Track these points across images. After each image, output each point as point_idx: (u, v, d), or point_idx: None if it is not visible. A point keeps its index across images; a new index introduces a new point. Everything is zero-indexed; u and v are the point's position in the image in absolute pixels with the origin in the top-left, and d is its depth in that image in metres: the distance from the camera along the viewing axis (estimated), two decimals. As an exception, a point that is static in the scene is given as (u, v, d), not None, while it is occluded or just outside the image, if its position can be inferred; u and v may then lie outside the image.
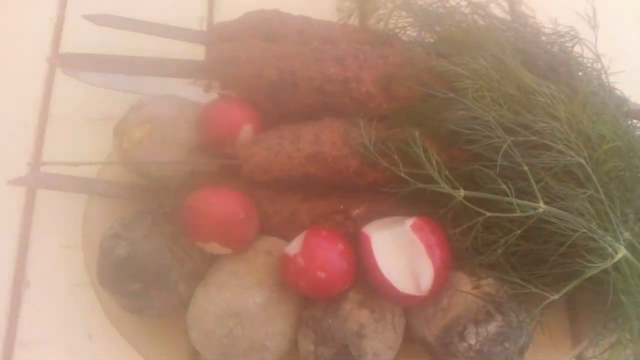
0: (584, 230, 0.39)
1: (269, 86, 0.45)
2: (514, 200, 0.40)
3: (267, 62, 0.45)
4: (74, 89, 0.56)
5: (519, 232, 0.41)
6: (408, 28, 0.53)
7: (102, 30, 0.55)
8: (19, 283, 0.52)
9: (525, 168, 0.41)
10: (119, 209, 0.49)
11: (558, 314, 0.49)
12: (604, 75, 0.52)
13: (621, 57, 0.57)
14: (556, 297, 0.40)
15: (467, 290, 0.43)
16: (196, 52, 0.60)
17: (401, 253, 0.41)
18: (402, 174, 0.42)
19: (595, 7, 0.54)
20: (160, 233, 0.44)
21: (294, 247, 0.43)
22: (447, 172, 0.42)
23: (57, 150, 0.57)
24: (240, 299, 0.42)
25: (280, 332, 0.43)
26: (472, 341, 0.41)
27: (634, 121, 0.52)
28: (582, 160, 0.42)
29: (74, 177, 0.49)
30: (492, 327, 0.42)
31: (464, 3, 0.55)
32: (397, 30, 0.53)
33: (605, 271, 0.42)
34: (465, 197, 0.41)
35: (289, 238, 0.46)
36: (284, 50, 0.45)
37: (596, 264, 0.39)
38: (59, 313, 0.51)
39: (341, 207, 0.46)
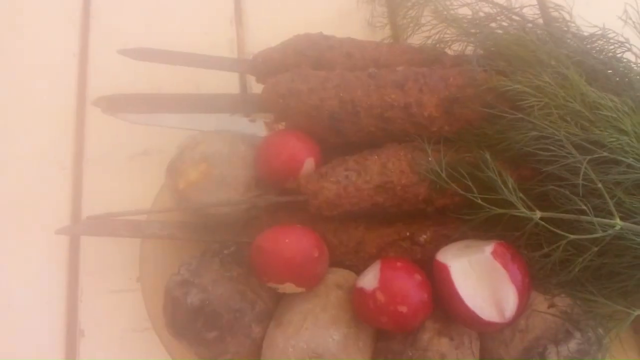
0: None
1: (329, 117, 0.44)
2: (594, 219, 0.39)
3: (327, 94, 0.44)
4: (107, 125, 0.54)
5: (596, 249, 0.41)
6: (453, 42, 0.53)
7: (127, 62, 0.54)
8: (73, 333, 0.51)
9: (600, 185, 0.41)
10: (174, 251, 0.48)
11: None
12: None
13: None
14: (638, 312, 0.40)
15: (544, 310, 0.42)
16: (228, 80, 0.60)
17: (483, 281, 0.41)
18: (479, 200, 0.41)
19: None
20: (229, 276, 0.43)
21: (369, 280, 0.42)
22: (521, 195, 0.41)
23: (97, 189, 0.55)
24: (320, 339, 0.41)
25: None
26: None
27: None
28: None
29: (127, 220, 0.48)
30: (573, 345, 0.42)
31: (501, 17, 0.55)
32: (441, 45, 0.53)
33: None
34: (541, 219, 0.41)
35: (355, 268, 0.46)
36: (343, 79, 0.44)
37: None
38: None
39: (407, 233, 0.45)
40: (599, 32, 0.51)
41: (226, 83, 0.59)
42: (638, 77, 0.47)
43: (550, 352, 0.42)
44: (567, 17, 0.56)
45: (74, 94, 0.61)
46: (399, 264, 0.42)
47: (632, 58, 0.52)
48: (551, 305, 0.43)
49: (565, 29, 0.54)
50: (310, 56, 0.49)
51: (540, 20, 0.57)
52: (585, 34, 0.53)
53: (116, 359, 0.50)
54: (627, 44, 0.50)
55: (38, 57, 0.63)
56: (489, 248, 0.41)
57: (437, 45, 0.51)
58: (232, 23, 0.65)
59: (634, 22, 0.51)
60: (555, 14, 0.60)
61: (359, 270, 0.45)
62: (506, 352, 0.43)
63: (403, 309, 0.41)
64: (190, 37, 0.63)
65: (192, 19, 0.65)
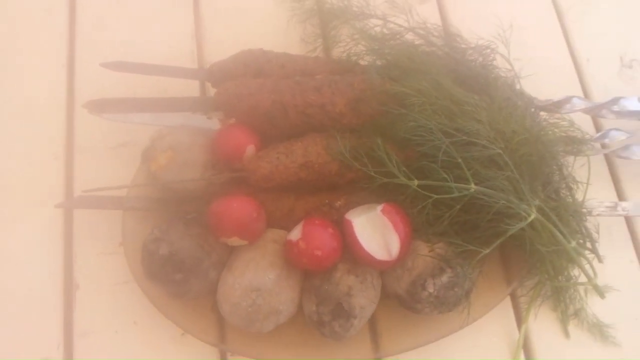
0: (504, 201, 0.54)
1: (265, 114, 0.58)
2: (453, 184, 0.54)
3: (263, 96, 0.58)
4: (92, 123, 0.66)
5: (458, 207, 0.54)
6: (364, 55, 0.67)
7: (108, 72, 0.65)
8: (69, 286, 0.62)
9: (460, 160, 0.55)
10: (149, 220, 0.60)
11: (495, 265, 0.61)
12: (516, 80, 0.67)
13: (533, 60, 0.73)
14: (487, 251, 0.54)
15: (424, 254, 0.55)
16: (190, 86, 0.71)
17: (375, 231, 0.54)
18: (372, 173, 0.56)
19: (514, 18, 0.68)
20: (191, 234, 0.56)
21: (295, 234, 0.55)
22: (404, 168, 0.55)
23: (86, 176, 0.66)
24: (259, 278, 0.54)
25: (290, 299, 0.55)
26: (431, 290, 0.54)
27: (542, 113, 0.68)
28: (500, 151, 0.55)
29: (111, 196, 0.60)
30: (445, 278, 0.54)
31: (409, 32, 0.69)
32: (355, 57, 0.67)
33: (523, 229, 0.56)
34: (418, 186, 0.54)
35: (288, 228, 0.57)
36: (274, 84, 0.58)
37: (514, 224, 0.55)
38: (107, 307, 0.60)
39: (327, 201, 0.58)
40: (472, 46, 0.67)
41: (188, 88, 0.70)
42: (497, 79, 0.63)
43: (428, 284, 0.54)
44: (457, 33, 0.72)
45: (65, 98, 0.71)
46: (317, 221, 0.56)
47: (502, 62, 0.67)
48: (431, 250, 0.56)
49: (455, 43, 0.70)
50: (252, 67, 0.62)
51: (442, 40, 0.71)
52: (464, 46, 0.68)
53: (105, 307, 0.61)
54: (495, 50, 0.65)
55: (33, 68, 0.73)
56: (379, 207, 0.55)
57: (351, 57, 0.66)
58: (193, 38, 0.75)
59: (503, 37, 0.66)
60: (453, 29, 0.75)
61: (290, 230, 0.57)
62: (398, 285, 0.56)
63: (318, 252, 0.53)
64: (158, 50, 0.73)
65: (160, 35, 0.75)
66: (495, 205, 0.54)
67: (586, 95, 0.77)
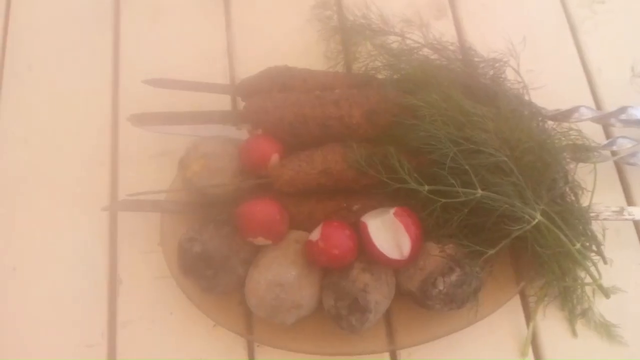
0: (508, 205, 0.58)
1: (288, 125, 0.63)
2: (460, 189, 0.59)
3: (286, 109, 0.63)
4: (135, 134, 0.72)
5: (466, 210, 0.58)
6: (382, 69, 0.72)
7: (149, 88, 0.72)
8: (113, 281, 0.68)
9: (467, 167, 0.59)
10: (184, 221, 0.66)
11: (505, 266, 0.64)
12: (525, 91, 0.71)
13: (545, 71, 0.77)
14: (493, 252, 0.57)
15: (435, 254, 0.59)
16: (222, 100, 0.77)
17: (388, 232, 0.58)
18: (385, 179, 0.60)
19: (528, 31, 0.72)
20: (221, 234, 0.61)
21: (315, 235, 0.60)
22: (415, 175, 0.59)
23: (129, 182, 0.72)
24: (282, 274, 0.59)
25: (310, 294, 0.60)
26: (441, 287, 0.58)
27: (549, 122, 0.72)
28: (505, 158, 0.59)
29: (151, 200, 0.67)
30: (454, 277, 0.58)
31: (424, 47, 0.73)
32: (373, 72, 0.72)
33: (530, 232, 0.59)
34: (428, 191, 0.58)
35: (309, 230, 0.61)
36: (297, 99, 0.64)
37: (518, 227, 0.58)
38: (146, 299, 0.65)
39: (344, 204, 0.62)
40: (485, 59, 0.71)
41: (221, 102, 0.76)
42: (505, 91, 0.67)
43: (438, 282, 0.58)
44: (472, 47, 0.76)
45: (110, 112, 0.77)
46: (335, 223, 0.60)
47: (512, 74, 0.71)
48: (441, 251, 0.60)
49: (468, 57, 0.74)
50: (277, 82, 0.68)
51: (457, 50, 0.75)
52: (477, 59, 0.72)
53: (145, 299, 0.67)
54: (506, 64, 0.69)
55: (82, 86, 0.79)
56: (392, 211, 0.59)
57: (369, 72, 0.71)
58: (225, 56, 0.80)
59: (512, 50, 0.70)
60: (467, 44, 0.79)
61: (311, 231, 0.61)
62: (411, 283, 0.60)
63: (336, 251, 0.58)
64: (194, 67, 0.79)
65: (196, 53, 0.81)
66: (500, 209, 0.58)
67: (598, 104, 0.80)
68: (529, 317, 0.66)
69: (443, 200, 0.58)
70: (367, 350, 0.62)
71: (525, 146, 0.62)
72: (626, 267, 0.69)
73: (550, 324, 0.66)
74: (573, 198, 0.65)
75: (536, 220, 0.59)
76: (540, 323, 0.66)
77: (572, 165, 0.66)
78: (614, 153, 0.74)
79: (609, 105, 0.79)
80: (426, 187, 0.59)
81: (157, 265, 0.67)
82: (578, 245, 0.61)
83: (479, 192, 0.59)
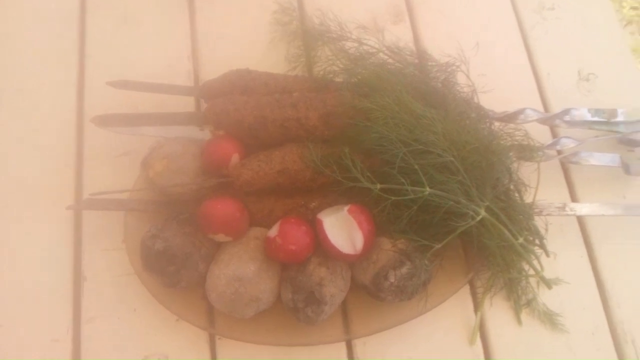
0: (453, 202, 0.62)
1: (248, 127, 0.66)
2: (409, 187, 0.62)
3: (247, 111, 0.66)
4: (99, 135, 0.74)
5: (415, 207, 0.62)
6: (339, 73, 0.75)
7: (113, 90, 0.74)
8: (78, 278, 0.69)
9: (416, 166, 0.63)
10: (147, 220, 0.67)
11: (457, 259, 0.68)
12: (474, 95, 0.75)
13: (497, 75, 0.81)
14: (439, 245, 0.61)
15: (387, 248, 0.62)
16: (186, 101, 0.79)
17: (342, 228, 0.62)
18: (340, 178, 0.64)
19: (482, 37, 0.76)
20: (183, 232, 0.64)
21: (273, 231, 0.62)
22: (369, 174, 0.62)
23: (93, 181, 0.74)
24: (241, 269, 0.62)
25: (269, 288, 0.62)
26: (392, 280, 0.61)
27: (497, 124, 0.76)
28: (452, 159, 0.63)
29: (115, 199, 0.69)
30: (404, 270, 0.61)
31: (383, 50, 0.76)
32: (331, 75, 0.75)
33: (476, 227, 0.63)
34: (380, 189, 0.62)
35: (269, 227, 0.63)
36: (257, 101, 0.66)
37: (464, 222, 0.62)
38: (110, 296, 0.67)
39: (302, 202, 0.65)
40: (438, 64, 0.75)
41: (185, 104, 0.78)
42: (453, 94, 0.71)
43: (390, 275, 0.62)
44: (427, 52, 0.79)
45: (75, 113, 0.77)
46: (292, 220, 0.63)
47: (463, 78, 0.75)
48: (393, 245, 0.63)
49: (422, 61, 0.77)
50: (239, 85, 0.70)
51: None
52: (431, 63, 0.76)
53: (109, 296, 0.68)
54: (454, 71, 0.73)
55: (47, 87, 0.80)
56: (346, 208, 0.63)
57: (327, 76, 0.74)
58: (190, 59, 0.82)
59: (463, 55, 0.74)
60: (422, 48, 0.83)
61: (271, 228, 0.64)
62: (365, 276, 0.64)
63: (293, 247, 0.61)
64: (158, 70, 0.81)
65: (160, 56, 0.83)
66: (447, 205, 0.62)
67: (546, 107, 0.85)
68: (477, 306, 0.70)
69: (394, 198, 0.61)
70: (324, 340, 0.65)
71: (471, 147, 0.65)
72: (569, 260, 0.73)
73: (497, 313, 0.70)
74: (517, 195, 0.69)
75: (480, 216, 0.63)
76: (487, 312, 0.70)
77: (515, 164, 0.70)
78: (559, 152, 0.79)
79: (557, 108, 0.83)
80: (378, 186, 0.63)
81: (120, 262, 0.69)
82: (521, 240, 0.65)
83: (427, 190, 0.62)
